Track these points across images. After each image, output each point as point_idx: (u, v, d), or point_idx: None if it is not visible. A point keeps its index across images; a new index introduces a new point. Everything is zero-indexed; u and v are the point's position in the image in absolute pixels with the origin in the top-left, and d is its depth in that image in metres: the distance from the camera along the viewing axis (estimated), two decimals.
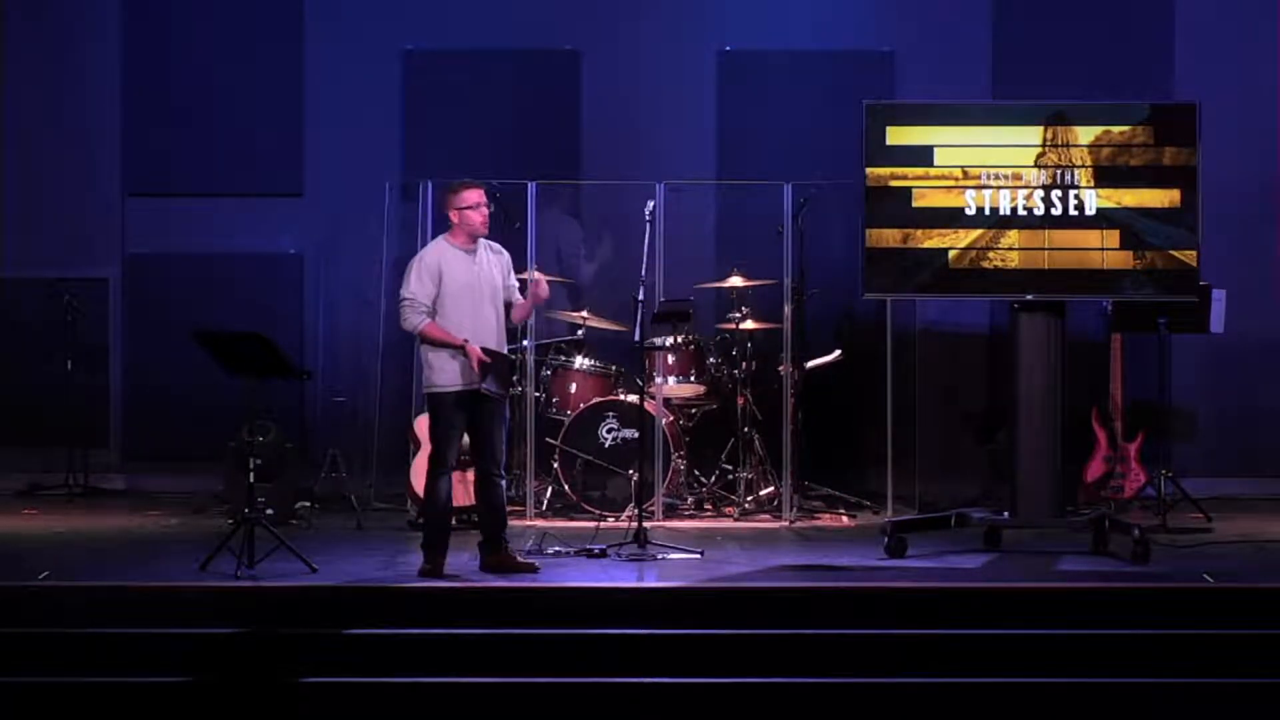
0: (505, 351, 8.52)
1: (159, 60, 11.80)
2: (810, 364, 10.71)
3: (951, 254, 9.06)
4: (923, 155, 9.07)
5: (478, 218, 8.42)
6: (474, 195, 8.42)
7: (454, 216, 8.46)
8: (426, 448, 9.95)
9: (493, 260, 8.51)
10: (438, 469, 8.41)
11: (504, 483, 8.56)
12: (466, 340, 8.28)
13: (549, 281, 8.75)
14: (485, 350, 8.28)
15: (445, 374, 8.36)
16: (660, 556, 8.84)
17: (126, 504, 11.10)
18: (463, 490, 9.98)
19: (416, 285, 8.38)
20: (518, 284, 8.64)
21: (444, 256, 8.41)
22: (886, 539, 8.99)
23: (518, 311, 8.64)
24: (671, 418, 10.53)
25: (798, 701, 7.08)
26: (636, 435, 9.86)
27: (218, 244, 11.71)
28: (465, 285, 8.37)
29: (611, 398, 10.41)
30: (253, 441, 9.22)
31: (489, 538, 8.51)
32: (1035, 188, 9.03)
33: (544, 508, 10.32)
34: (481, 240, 8.49)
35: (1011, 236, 9.03)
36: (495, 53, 11.71)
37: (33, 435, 11.54)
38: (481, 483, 8.50)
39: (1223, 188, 10.31)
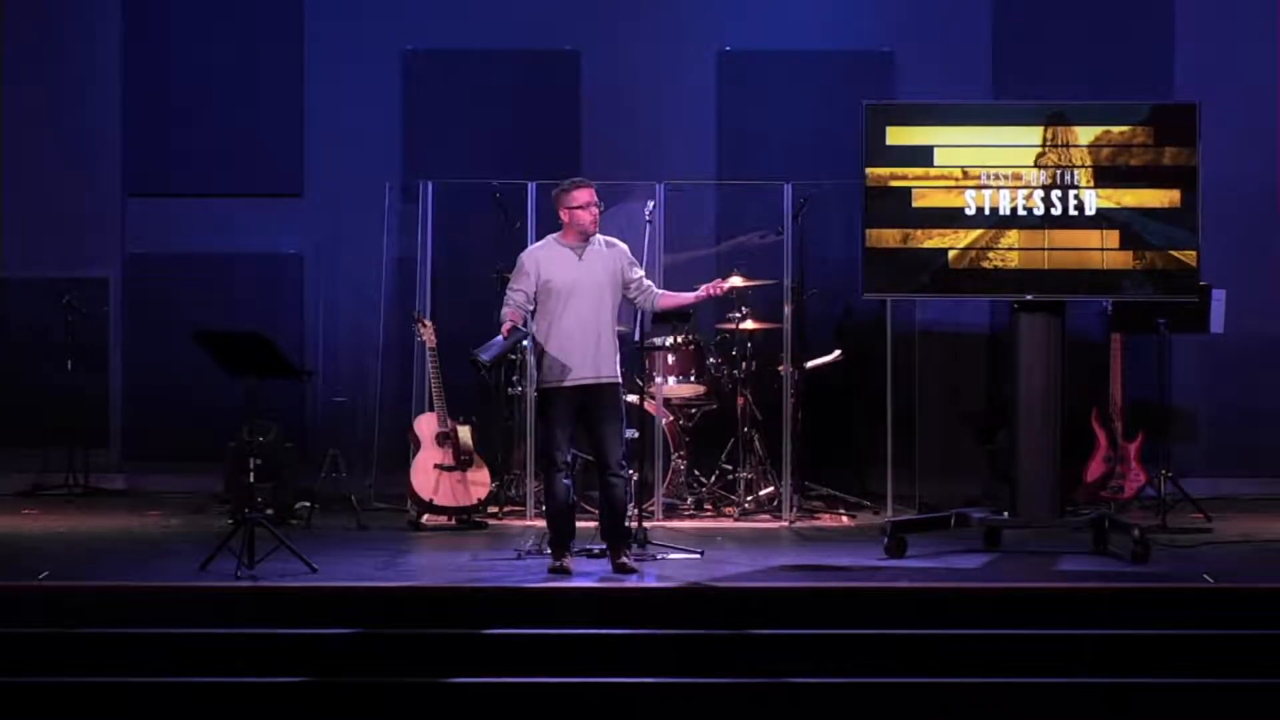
0: (615, 339, 8.49)
1: (159, 60, 11.81)
2: (810, 364, 10.71)
3: (951, 254, 9.06)
4: (923, 155, 9.07)
5: (587, 217, 8.45)
6: (583, 195, 8.46)
7: (564, 216, 8.49)
8: (427, 448, 10.03)
9: (603, 255, 8.50)
10: (548, 468, 8.45)
11: (622, 481, 8.47)
12: (513, 326, 8.39)
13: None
14: (515, 329, 8.39)
15: (547, 370, 8.44)
16: (660, 556, 8.84)
17: (126, 504, 11.10)
18: (463, 490, 10.03)
19: (514, 281, 8.53)
20: (642, 274, 8.62)
21: (545, 255, 8.49)
22: (886, 539, 8.99)
23: (665, 300, 8.65)
24: (671, 418, 10.53)
25: (798, 701, 7.07)
26: (636, 435, 9.85)
27: (218, 244, 11.71)
28: (565, 283, 8.41)
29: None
30: (253, 441, 9.22)
31: (604, 537, 8.56)
32: (1035, 188, 9.03)
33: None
34: (597, 238, 8.52)
35: (1011, 236, 9.03)
36: (495, 53, 11.72)
37: (33, 435, 11.54)
38: (600, 485, 8.50)
39: (1223, 188, 10.32)
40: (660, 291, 8.69)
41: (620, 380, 8.54)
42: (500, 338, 8.40)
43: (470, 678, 7.20)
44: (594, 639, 7.49)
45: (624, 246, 8.63)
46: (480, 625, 7.62)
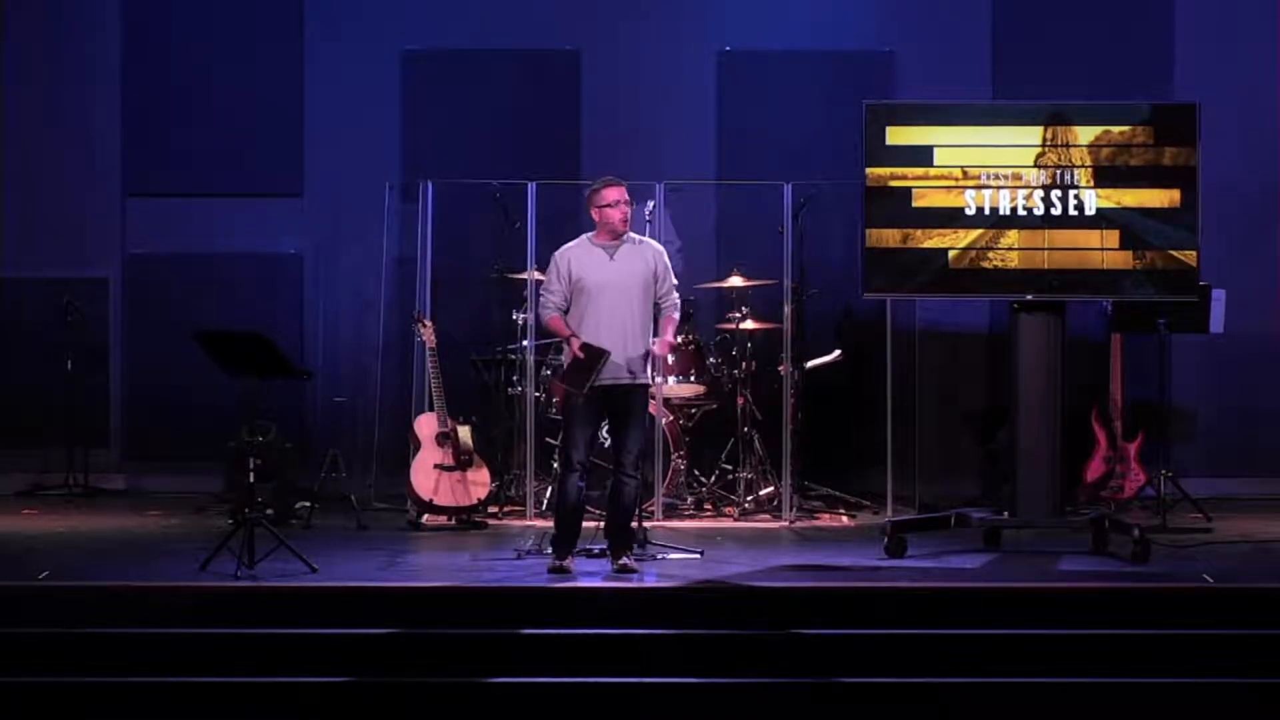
0: (647, 339, 8.45)
1: (159, 60, 11.80)
2: (810, 364, 10.71)
3: (951, 254, 9.06)
4: (923, 155, 9.07)
5: (616, 215, 8.45)
6: (613, 193, 8.47)
7: (595, 215, 8.52)
8: (427, 448, 10.03)
9: (636, 255, 8.49)
10: (564, 466, 8.50)
11: (633, 483, 8.47)
12: (573, 335, 8.34)
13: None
14: (586, 347, 8.28)
15: None
16: (660, 556, 8.85)
17: (126, 504, 11.10)
18: (463, 490, 10.03)
19: (548, 281, 8.54)
20: (670, 286, 8.53)
21: (579, 254, 8.49)
22: (886, 539, 8.99)
23: (662, 326, 8.52)
24: (671, 418, 10.53)
25: (798, 701, 7.07)
26: None
27: (218, 244, 11.72)
28: (598, 283, 8.41)
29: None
30: (253, 441, 9.22)
31: (607, 536, 8.57)
32: (1035, 188, 9.02)
33: (544, 508, 10.31)
34: (631, 236, 8.54)
35: (1011, 236, 9.03)
36: (495, 53, 11.71)
37: (33, 435, 11.54)
38: (612, 483, 8.53)
39: (1223, 188, 10.32)
40: (667, 316, 8.53)
41: (649, 382, 8.55)
42: (578, 360, 8.27)
43: (469, 678, 7.20)
44: (594, 639, 7.49)
45: (658, 249, 8.61)
46: (479, 626, 7.62)
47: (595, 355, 8.27)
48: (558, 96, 11.72)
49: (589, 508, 8.98)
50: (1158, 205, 8.98)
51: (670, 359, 10.41)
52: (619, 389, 8.41)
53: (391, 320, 11.24)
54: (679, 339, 10.42)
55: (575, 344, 8.32)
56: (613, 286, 8.42)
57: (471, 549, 9.23)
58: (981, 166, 9.05)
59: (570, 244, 8.60)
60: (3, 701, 7.00)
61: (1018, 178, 9.04)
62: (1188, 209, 8.96)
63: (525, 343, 10.45)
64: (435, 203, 10.90)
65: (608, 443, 10.24)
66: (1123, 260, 9.01)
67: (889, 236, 9.07)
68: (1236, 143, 11.11)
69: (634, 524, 8.78)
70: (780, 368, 10.54)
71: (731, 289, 10.71)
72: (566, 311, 8.49)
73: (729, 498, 10.62)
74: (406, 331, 10.83)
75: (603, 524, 8.66)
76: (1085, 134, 9.00)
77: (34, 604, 7.79)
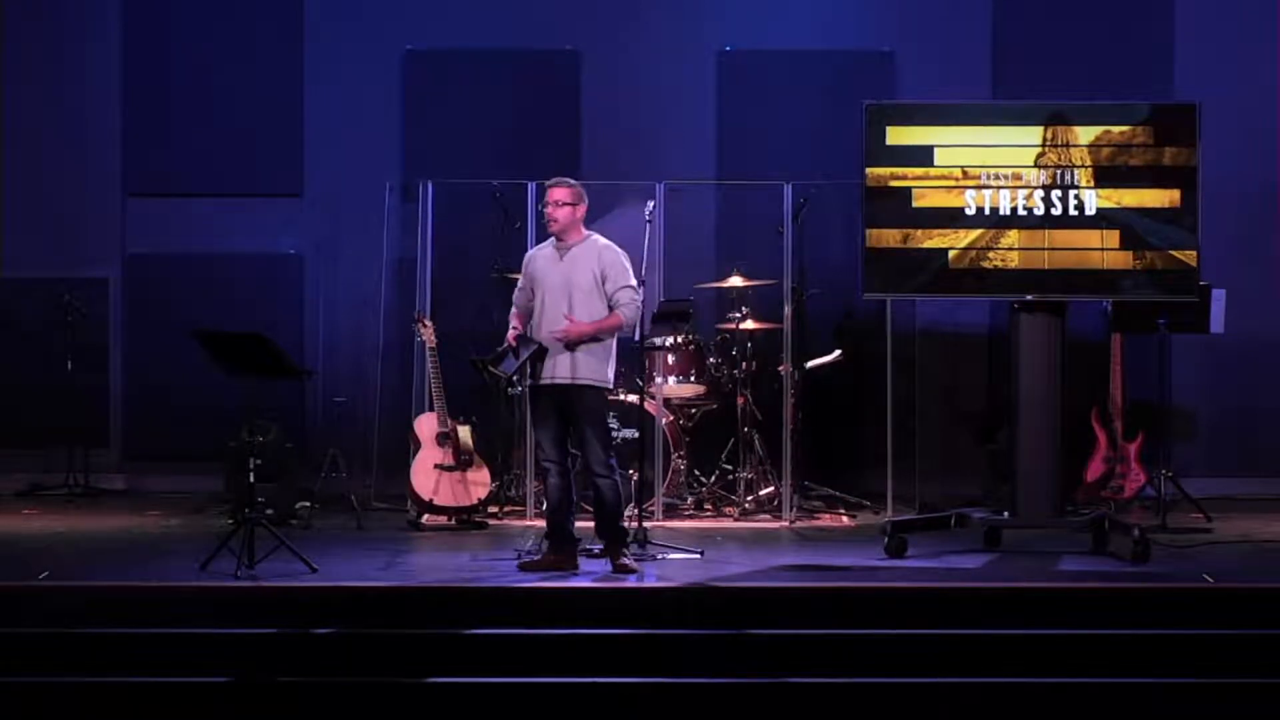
0: (583, 348, 8.41)
1: (159, 60, 11.81)
2: (810, 364, 10.71)
3: (951, 254, 9.06)
4: (923, 155, 9.07)
5: (549, 214, 8.54)
6: (549, 193, 8.59)
7: None
8: (427, 448, 10.03)
9: (583, 257, 8.51)
10: (538, 465, 8.73)
11: (607, 481, 8.46)
12: (514, 328, 8.57)
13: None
14: (520, 338, 8.50)
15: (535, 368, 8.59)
16: (660, 556, 8.84)
17: (126, 504, 11.10)
18: (463, 490, 10.03)
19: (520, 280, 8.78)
20: (627, 285, 8.46)
21: (538, 254, 8.69)
22: (886, 539, 8.99)
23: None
24: (671, 418, 10.53)
25: (796, 702, 7.07)
26: (636, 435, 9.86)
27: (218, 244, 11.71)
28: (545, 283, 8.53)
29: (612, 398, 10.38)
30: (253, 441, 9.21)
31: (599, 539, 8.62)
32: (1035, 188, 9.03)
33: (544, 508, 10.28)
34: (592, 237, 8.61)
35: (1011, 236, 9.03)
36: (495, 53, 11.72)
37: (33, 435, 11.54)
38: (591, 485, 8.57)
39: (1223, 188, 10.31)
40: (614, 313, 8.45)
41: (599, 382, 8.47)
42: (510, 347, 8.47)
43: (469, 678, 7.20)
44: (594, 639, 7.49)
45: (609, 251, 8.54)
46: (479, 625, 7.62)
47: (522, 343, 8.46)
48: (558, 96, 11.72)
49: (587, 507, 8.97)
50: (1158, 205, 8.98)
51: (670, 358, 10.41)
52: (560, 388, 8.45)
53: (391, 320, 11.24)
54: (678, 339, 10.42)
55: (510, 335, 8.54)
56: (556, 287, 8.49)
57: (471, 549, 9.23)
58: (981, 166, 9.05)
59: (540, 245, 8.75)
60: (3, 701, 7.00)
61: (1018, 178, 9.03)
62: (1188, 209, 8.96)
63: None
64: (435, 203, 10.90)
65: None
66: (1123, 260, 9.01)
67: (889, 236, 9.07)
68: (1236, 143, 11.11)
69: (633, 524, 8.78)
70: (780, 368, 10.55)
71: (731, 289, 10.71)
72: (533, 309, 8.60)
73: (729, 498, 10.62)
74: (406, 331, 10.84)
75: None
76: (1085, 134, 9.01)
77: (34, 604, 7.79)
